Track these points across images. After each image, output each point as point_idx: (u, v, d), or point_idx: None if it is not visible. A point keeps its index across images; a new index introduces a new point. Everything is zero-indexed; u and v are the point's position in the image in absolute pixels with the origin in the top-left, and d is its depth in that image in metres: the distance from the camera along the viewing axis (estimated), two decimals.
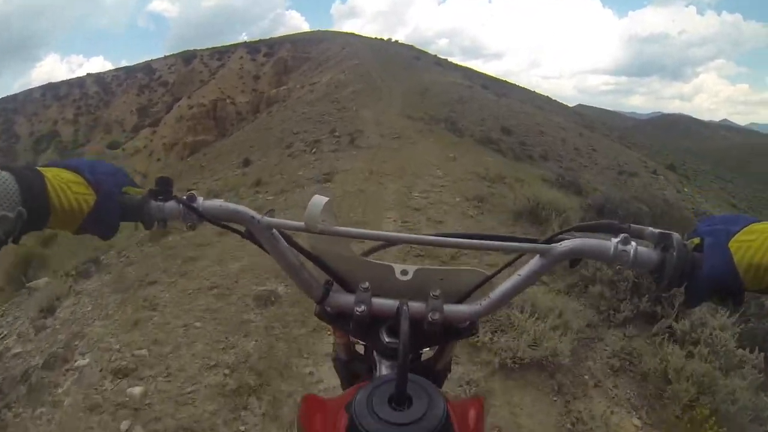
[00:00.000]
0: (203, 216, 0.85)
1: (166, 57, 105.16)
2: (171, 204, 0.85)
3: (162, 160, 65.80)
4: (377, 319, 0.89)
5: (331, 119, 21.59)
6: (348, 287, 0.93)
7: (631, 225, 0.83)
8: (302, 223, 0.83)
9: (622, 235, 0.81)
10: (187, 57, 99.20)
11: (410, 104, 34.03)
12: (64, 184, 0.75)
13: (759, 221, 0.75)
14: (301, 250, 0.91)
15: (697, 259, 0.76)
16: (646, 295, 4.39)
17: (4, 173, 0.68)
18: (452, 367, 1.11)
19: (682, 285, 0.78)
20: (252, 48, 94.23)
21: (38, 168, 0.75)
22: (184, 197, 0.84)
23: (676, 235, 0.79)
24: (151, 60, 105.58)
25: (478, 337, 3.68)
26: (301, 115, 23.71)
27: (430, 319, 0.84)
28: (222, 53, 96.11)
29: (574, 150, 34.92)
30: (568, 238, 0.85)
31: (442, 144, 16.81)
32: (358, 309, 0.86)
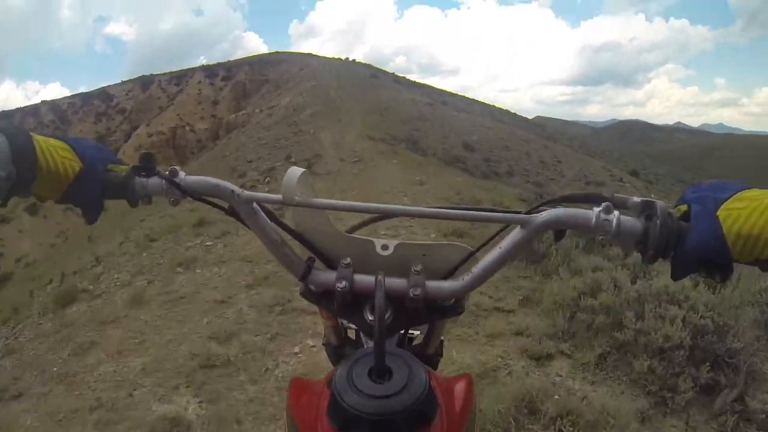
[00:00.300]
0: (185, 191, 0.84)
1: (123, 82, 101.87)
2: (154, 180, 0.84)
3: None
4: (360, 297, 0.85)
5: (288, 144, 20.29)
6: (330, 264, 0.89)
7: (615, 195, 0.80)
8: (280, 196, 0.80)
9: (604, 204, 0.77)
10: (145, 82, 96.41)
11: (370, 124, 33.09)
12: (52, 148, 0.76)
13: (749, 188, 0.70)
14: (282, 225, 0.88)
15: (684, 228, 0.71)
16: (707, 363, 3.33)
17: None
18: None
19: (669, 256, 0.73)
20: (210, 71, 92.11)
21: (32, 135, 0.75)
22: (167, 173, 0.83)
23: (660, 203, 0.75)
24: (108, 86, 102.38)
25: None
26: (256, 141, 22.30)
27: (411, 294, 0.81)
28: (180, 78, 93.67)
29: (540, 163, 34.28)
30: (550, 209, 0.81)
31: (406, 165, 15.72)
32: (339, 285, 0.82)
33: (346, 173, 13.83)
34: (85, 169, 0.79)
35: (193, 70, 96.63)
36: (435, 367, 1.06)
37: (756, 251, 0.66)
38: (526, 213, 0.82)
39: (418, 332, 1.11)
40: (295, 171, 0.81)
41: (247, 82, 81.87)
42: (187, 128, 73.63)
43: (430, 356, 1.05)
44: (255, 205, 0.85)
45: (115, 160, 0.87)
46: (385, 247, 0.88)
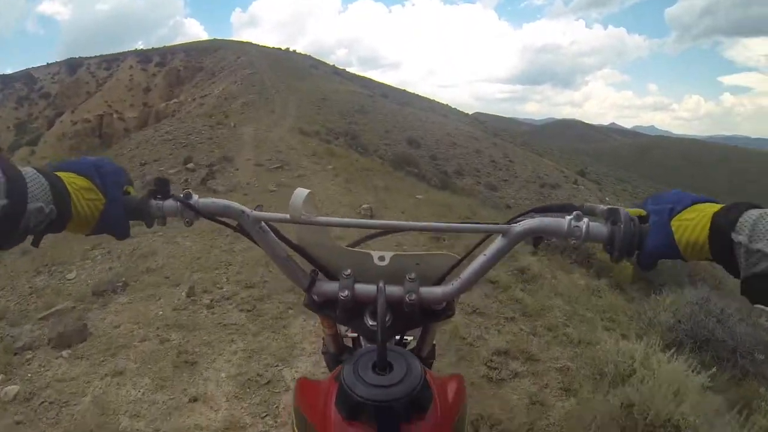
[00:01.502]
0: (199, 212, 0.87)
1: (49, 65, 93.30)
2: (169, 202, 0.87)
3: None
4: (360, 305, 0.90)
5: (197, 140, 15.48)
6: (331, 276, 0.94)
7: (585, 204, 0.87)
8: (287, 215, 0.85)
9: (574, 212, 0.83)
10: (72, 65, 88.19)
11: (306, 116, 29.10)
12: (78, 191, 0.78)
13: (704, 201, 0.78)
14: (287, 241, 0.92)
15: (644, 230, 0.80)
16: None
17: (39, 174, 0.71)
18: None
19: (633, 255, 0.81)
20: (143, 57, 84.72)
21: (56, 173, 0.76)
22: (181, 195, 0.87)
23: (623, 210, 0.82)
24: (32, 68, 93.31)
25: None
26: (163, 136, 17.34)
27: (407, 300, 0.86)
28: (111, 62, 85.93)
29: (491, 162, 30.76)
30: (528, 219, 0.87)
31: (347, 173, 11.45)
32: (342, 294, 0.87)
33: (259, 189, 9.30)
34: (108, 203, 0.81)
35: (125, 54, 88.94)
36: (429, 369, 1.06)
37: (701, 254, 0.75)
38: (506, 223, 0.88)
39: (412, 338, 1.14)
40: (302, 192, 0.86)
41: (182, 69, 75.70)
42: (116, 116, 66.93)
43: (424, 359, 1.07)
44: (263, 223, 0.89)
45: (130, 181, 0.88)
46: (381, 258, 0.92)
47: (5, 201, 0.64)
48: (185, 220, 0.88)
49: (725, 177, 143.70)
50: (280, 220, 0.88)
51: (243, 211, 0.88)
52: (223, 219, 0.90)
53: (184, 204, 0.86)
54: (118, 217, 0.83)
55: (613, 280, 6.18)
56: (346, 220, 0.90)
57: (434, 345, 1.16)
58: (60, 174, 0.77)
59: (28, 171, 0.70)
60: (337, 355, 1.15)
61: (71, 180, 0.78)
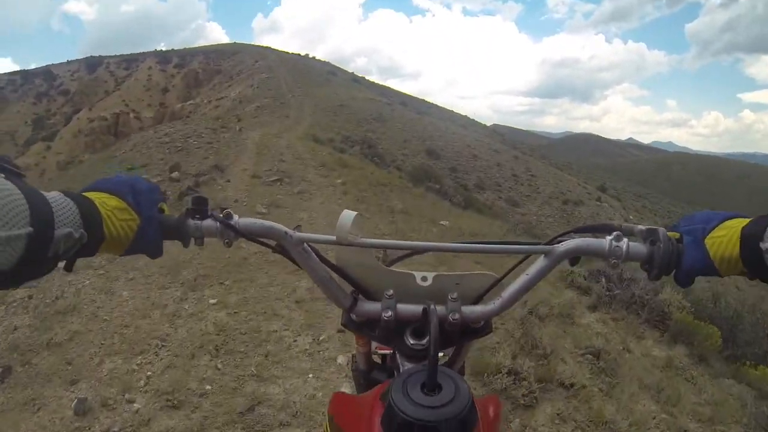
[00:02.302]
0: (240, 233, 0.83)
1: (69, 62, 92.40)
2: (208, 222, 0.83)
3: (55, 182, 55.26)
4: (401, 324, 0.88)
5: (194, 145, 13.53)
6: (370, 296, 0.93)
7: (623, 224, 0.86)
8: (333, 237, 0.83)
9: (614, 233, 0.83)
10: (92, 63, 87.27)
11: (321, 122, 27.39)
12: (110, 211, 0.75)
13: (733, 217, 0.79)
14: (327, 263, 0.91)
15: (681, 249, 0.80)
16: None
17: (66, 198, 0.67)
18: None
19: (671, 273, 0.81)
20: (163, 57, 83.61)
21: (86, 194, 0.74)
22: (221, 215, 0.84)
23: (662, 230, 0.82)
24: (52, 65, 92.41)
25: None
26: (161, 138, 15.36)
27: (451, 319, 0.85)
28: (130, 62, 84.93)
29: (513, 177, 28.74)
30: (569, 239, 0.87)
31: (358, 190, 9.41)
32: (385, 315, 0.85)
33: (244, 209, 7.30)
34: (143, 223, 0.77)
35: (145, 54, 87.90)
36: None
37: (736, 268, 0.76)
38: (547, 243, 0.87)
39: (443, 353, 1.05)
40: (349, 214, 0.83)
41: (200, 71, 74.51)
42: (132, 115, 65.48)
43: None
44: (306, 245, 0.87)
45: (163, 199, 0.84)
46: (424, 279, 0.91)
47: (30, 229, 0.60)
48: (224, 240, 0.83)
49: (744, 194, 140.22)
50: (326, 242, 0.85)
51: (286, 233, 0.85)
52: (264, 240, 0.86)
53: (224, 224, 0.82)
54: (154, 236, 0.79)
55: (695, 348, 4.80)
56: (390, 241, 0.89)
57: (464, 362, 1.09)
58: (91, 195, 0.74)
59: (53, 195, 0.66)
60: (367, 372, 1.12)
61: (103, 200, 0.75)
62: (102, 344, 3.59)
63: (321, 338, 3.68)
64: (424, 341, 0.87)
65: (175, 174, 9.64)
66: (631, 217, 30.24)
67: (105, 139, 59.88)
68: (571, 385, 3.45)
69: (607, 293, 5.31)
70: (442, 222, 8.58)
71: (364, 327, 0.92)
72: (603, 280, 5.53)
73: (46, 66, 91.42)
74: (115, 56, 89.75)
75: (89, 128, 63.25)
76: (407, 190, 12.36)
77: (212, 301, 4.24)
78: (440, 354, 1.04)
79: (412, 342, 0.88)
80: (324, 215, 7.22)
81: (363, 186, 10.27)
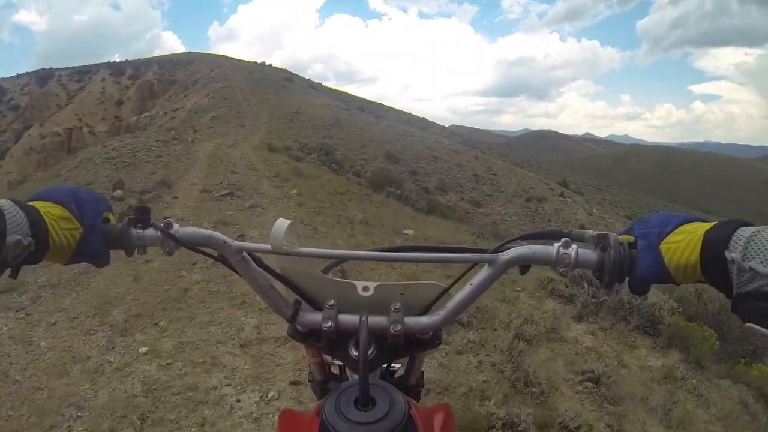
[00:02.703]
0: (180, 242, 0.82)
1: (18, 75, 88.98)
2: (150, 231, 0.82)
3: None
4: (344, 335, 0.86)
5: (145, 159, 12.67)
6: (316, 305, 0.90)
7: (573, 230, 0.83)
8: (269, 246, 0.81)
9: (563, 239, 0.80)
10: (43, 77, 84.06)
11: (277, 130, 26.74)
12: (54, 220, 0.74)
13: (692, 220, 0.75)
14: (270, 271, 0.89)
15: (634, 255, 0.76)
16: None
17: (15, 206, 0.69)
18: None
19: (623, 280, 0.77)
20: (116, 69, 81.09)
21: (32, 203, 0.74)
22: (162, 225, 0.82)
23: (612, 235, 0.79)
24: (1, 79, 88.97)
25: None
26: (109, 153, 14.41)
27: (392, 331, 0.82)
28: (83, 74, 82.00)
29: (474, 177, 28.37)
30: (516, 246, 0.84)
31: (315, 201, 8.83)
32: (325, 325, 0.83)
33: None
34: (85, 232, 0.76)
35: (98, 66, 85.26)
36: (417, 398, 1.06)
37: (694, 276, 0.71)
38: (492, 251, 0.84)
39: (400, 365, 1.09)
40: (283, 222, 0.81)
41: (156, 82, 72.48)
42: (86, 130, 63.24)
43: (411, 387, 1.05)
44: (245, 253, 0.85)
45: (110, 209, 0.83)
46: (366, 289, 0.88)
47: None
48: (165, 249, 0.82)
49: (698, 183, 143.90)
50: (262, 251, 0.84)
51: (225, 242, 0.83)
52: (204, 249, 0.84)
53: (164, 233, 0.81)
54: (97, 245, 0.78)
55: (691, 353, 4.52)
56: (329, 251, 0.87)
57: (422, 372, 1.09)
58: (36, 204, 0.74)
59: (4, 203, 0.68)
60: (323, 383, 1.09)
61: (47, 209, 0.74)
62: (8, 417, 2.93)
63: (270, 395, 3.05)
64: (370, 351, 0.83)
65: (117, 192, 8.88)
66: (594, 210, 30.24)
67: (58, 156, 57.54)
68: (577, 428, 2.95)
69: (593, 300, 4.89)
70: (405, 231, 8.06)
71: (309, 337, 0.89)
72: (586, 286, 5.11)
73: None
74: (67, 68, 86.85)
75: (41, 145, 60.77)
76: (367, 197, 11.81)
77: (143, 349, 3.58)
78: (397, 365, 1.07)
79: (355, 354, 0.85)
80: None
81: (320, 196, 9.69)
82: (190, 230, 0.84)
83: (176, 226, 0.82)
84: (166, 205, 8.10)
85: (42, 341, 3.82)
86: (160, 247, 0.82)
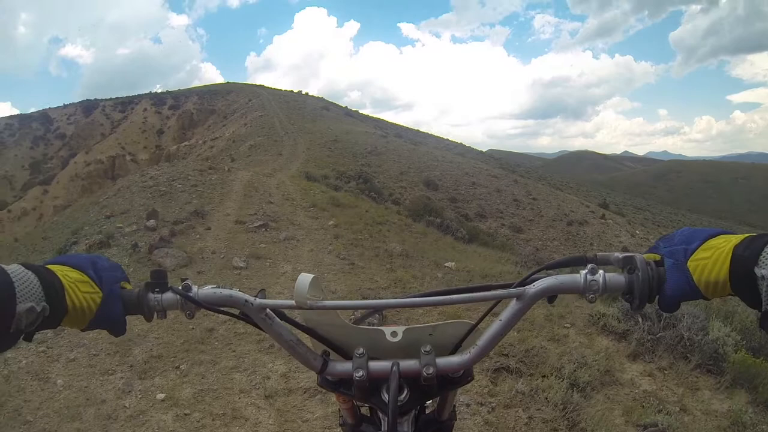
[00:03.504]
0: (200, 304, 0.82)
1: (65, 106, 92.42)
2: (168, 295, 0.82)
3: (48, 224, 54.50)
4: (376, 381, 0.85)
5: (181, 188, 12.67)
6: (344, 354, 0.90)
7: (598, 255, 0.83)
8: (293, 302, 0.81)
9: (589, 266, 0.80)
10: (88, 107, 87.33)
11: (315, 159, 26.76)
12: (73, 283, 0.74)
13: (717, 234, 0.75)
14: (295, 325, 0.88)
15: (662, 273, 0.76)
16: None
17: (27, 271, 0.67)
18: None
19: (654, 300, 0.77)
20: (158, 99, 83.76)
21: (48, 266, 0.73)
22: (180, 287, 0.82)
23: (638, 256, 0.78)
24: (49, 108, 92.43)
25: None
26: (146, 182, 14.52)
27: (425, 374, 0.82)
28: (125, 104, 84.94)
29: (514, 202, 27.86)
30: (541, 277, 0.83)
31: (354, 233, 8.75)
32: (357, 375, 0.82)
33: (221, 264, 6.44)
34: (105, 298, 0.77)
35: (140, 96, 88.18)
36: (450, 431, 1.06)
37: (723, 291, 0.71)
38: (518, 285, 0.83)
39: (431, 401, 1.06)
40: (306, 277, 0.81)
41: (195, 111, 74.48)
42: (128, 158, 65.20)
43: (443, 422, 1.04)
44: (268, 310, 0.84)
45: (126, 278, 0.84)
46: (394, 334, 0.88)
47: None
48: (186, 312, 0.82)
49: (744, 196, 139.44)
50: (286, 307, 0.84)
51: (246, 300, 0.82)
52: (226, 309, 0.84)
53: (183, 296, 0.81)
54: (116, 311, 0.78)
55: (760, 395, 3.95)
56: (353, 302, 0.89)
57: (454, 406, 1.08)
58: (53, 267, 0.74)
59: (14, 269, 0.66)
60: (355, 426, 1.06)
61: (65, 273, 0.74)
62: None
63: None
64: (403, 396, 0.83)
65: (151, 222, 8.78)
66: (637, 232, 29.22)
67: (102, 182, 59.47)
68: None
69: (649, 337, 4.48)
70: (447, 264, 7.71)
71: (340, 386, 0.89)
72: (641, 320, 4.70)
73: (44, 110, 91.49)
74: (111, 99, 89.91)
75: (86, 172, 62.89)
76: (407, 227, 11.51)
77: (160, 395, 3.35)
78: (428, 402, 1.04)
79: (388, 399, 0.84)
80: (311, 267, 6.38)
81: (358, 227, 9.44)
82: (210, 291, 0.82)
83: (195, 288, 0.82)
84: (198, 236, 7.96)
85: (59, 379, 3.65)
86: (181, 311, 0.81)
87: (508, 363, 3.76)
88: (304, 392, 3.35)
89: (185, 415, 3.14)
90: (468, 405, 3.25)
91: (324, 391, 0.93)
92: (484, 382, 3.62)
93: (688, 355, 4.35)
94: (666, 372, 4.19)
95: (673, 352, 4.39)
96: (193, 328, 4.33)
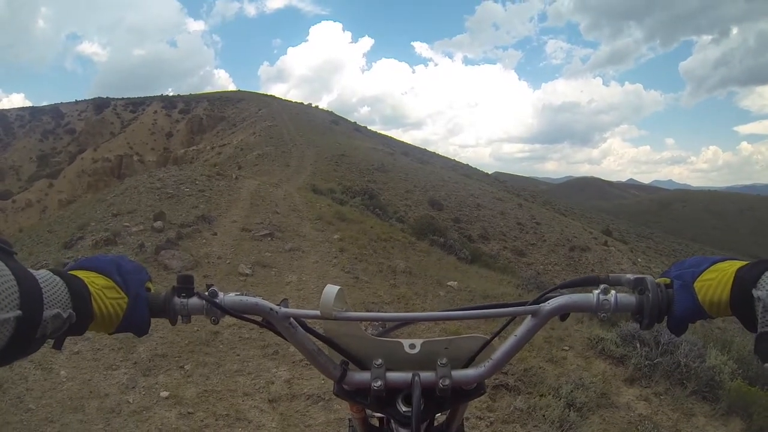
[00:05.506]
0: (225, 310, 0.83)
1: (77, 102, 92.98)
2: (194, 300, 0.83)
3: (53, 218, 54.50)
4: (392, 391, 0.88)
5: (188, 192, 12.77)
6: (362, 365, 0.91)
7: (610, 275, 0.85)
8: (318, 312, 0.83)
9: (602, 286, 0.83)
10: (99, 104, 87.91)
11: (322, 172, 26.89)
12: (100, 290, 0.75)
13: (725, 260, 0.78)
14: (316, 334, 0.90)
15: (671, 295, 0.79)
16: None
17: (56, 277, 0.67)
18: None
19: (662, 321, 0.80)
20: (168, 102, 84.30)
21: (74, 273, 0.74)
22: (206, 293, 0.83)
23: (649, 278, 0.81)
24: (61, 103, 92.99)
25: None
26: (154, 183, 14.66)
27: (441, 385, 0.84)
28: (137, 105, 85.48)
29: (517, 225, 27.97)
30: (555, 296, 0.86)
31: (359, 247, 8.75)
32: (375, 385, 0.84)
33: (226, 269, 6.50)
34: (131, 302, 0.77)
35: (151, 98, 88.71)
36: None
37: (725, 312, 0.74)
38: (533, 303, 0.86)
39: (440, 413, 1.04)
40: (332, 289, 0.83)
41: (205, 117, 74.93)
42: (136, 158, 65.46)
43: None
44: (292, 319, 0.86)
45: (149, 277, 0.85)
46: (412, 346, 0.89)
47: (18, 312, 0.59)
48: (211, 318, 0.83)
49: (748, 227, 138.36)
50: (311, 317, 0.85)
51: (271, 309, 0.84)
52: (250, 316, 0.85)
53: (209, 302, 0.82)
54: (142, 315, 0.79)
55: (755, 423, 4.05)
56: (375, 314, 0.88)
57: (464, 419, 1.10)
58: (79, 273, 0.74)
59: (42, 274, 0.65)
60: None
61: (92, 279, 0.75)
62: None
63: None
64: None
65: (158, 223, 8.86)
66: (639, 260, 29.25)
67: (108, 180, 59.62)
68: None
69: (646, 362, 4.56)
70: (449, 283, 7.77)
71: (356, 395, 0.90)
72: (639, 346, 4.76)
73: (55, 104, 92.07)
74: (123, 99, 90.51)
75: (92, 169, 63.19)
76: (411, 245, 11.57)
77: (164, 393, 3.40)
78: (437, 414, 1.04)
79: (404, 409, 0.87)
80: (316, 278, 6.43)
81: (362, 242, 9.49)
82: (236, 298, 0.84)
83: (221, 295, 0.83)
84: (204, 240, 8.03)
85: (62, 370, 3.70)
86: (206, 316, 0.82)
87: (507, 380, 3.83)
88: (308, 398, 3.40)
89: (189, 413, 3.19)
90: (467, 419, 3.30)
91: (339, 399, 0.95)
92: (483, 397, 3.69)
93: (684, 381, 4.43)
94: (662, 397, 4.26)
95: (669, 378, 4.47)
96: (197, 330, 4.39)
